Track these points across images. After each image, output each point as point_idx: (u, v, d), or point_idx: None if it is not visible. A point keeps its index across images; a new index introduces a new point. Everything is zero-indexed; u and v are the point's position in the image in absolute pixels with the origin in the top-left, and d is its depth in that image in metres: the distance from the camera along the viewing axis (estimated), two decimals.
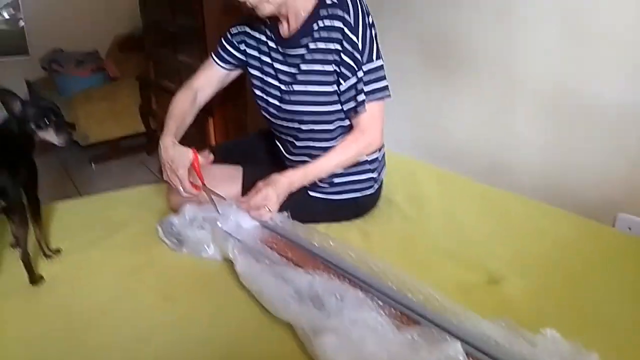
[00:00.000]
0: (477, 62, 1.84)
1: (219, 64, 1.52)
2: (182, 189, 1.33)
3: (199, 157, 1.35)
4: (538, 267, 1.21)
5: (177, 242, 1.28)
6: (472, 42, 1.85)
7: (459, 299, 1.03)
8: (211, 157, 1.40)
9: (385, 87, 1.35)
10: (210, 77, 1.54)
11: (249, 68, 1.48)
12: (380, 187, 1.53)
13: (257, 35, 1.45)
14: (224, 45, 1.50)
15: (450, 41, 1.92)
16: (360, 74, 1.30)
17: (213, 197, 1.34)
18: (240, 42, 1.47)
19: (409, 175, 1.75)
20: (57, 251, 1.29)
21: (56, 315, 1.07)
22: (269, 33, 1.42)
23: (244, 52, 1.47)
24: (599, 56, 1.49)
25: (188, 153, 1.33)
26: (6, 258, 1.27)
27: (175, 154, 1.33)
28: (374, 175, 1.47)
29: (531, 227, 1.40)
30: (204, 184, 1.35)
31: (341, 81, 1.32)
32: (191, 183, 1.33)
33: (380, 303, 0.97)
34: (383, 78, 1.34)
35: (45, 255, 1.26)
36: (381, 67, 1.34)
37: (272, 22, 1.40)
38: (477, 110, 1.88)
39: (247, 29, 1.47)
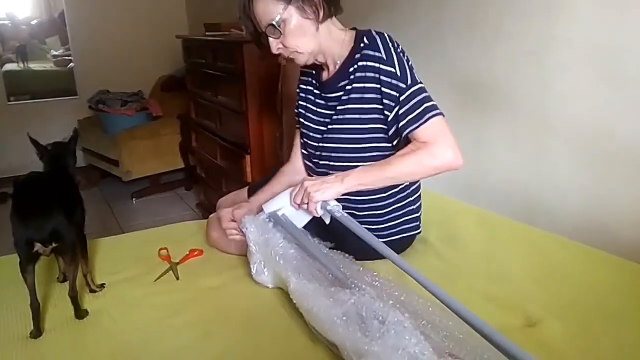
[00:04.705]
0: (513, 104, 1.85)
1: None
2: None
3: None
4: (576, 309, 1.19)
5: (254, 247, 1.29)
6: (507, 84, 1.85)
7: None
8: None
9: (436, 105, 1.30)
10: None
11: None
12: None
13: (307, 83, 1.52)
14: (296, 110, 1.57)
15: (485, 83, 1.94)
16: (402, 98, 1.29)
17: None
18: (300, 99, 1.54)
19: (445, 214, 1.75)
20: (102, 286, 1.34)
21: (99, 349, 1.11)
22: (314, 81, 1.49)
23: (303, 106, 1.53)
24: (636, 98, 1.48)
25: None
26: (54, 292, 1.33)
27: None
28: (418, 214, 1.49)
29: (570, 268, 1.37)
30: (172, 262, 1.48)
31: (387, 113, 1.32)
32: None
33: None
34: (430, 98, 1.30)
35: (91, 290, 1.31)
36: (424, 89, 1.31)
37: (317, 69, 1.46)
38: (515, 151, 1.87)
39: (301, 82, 1.54)
